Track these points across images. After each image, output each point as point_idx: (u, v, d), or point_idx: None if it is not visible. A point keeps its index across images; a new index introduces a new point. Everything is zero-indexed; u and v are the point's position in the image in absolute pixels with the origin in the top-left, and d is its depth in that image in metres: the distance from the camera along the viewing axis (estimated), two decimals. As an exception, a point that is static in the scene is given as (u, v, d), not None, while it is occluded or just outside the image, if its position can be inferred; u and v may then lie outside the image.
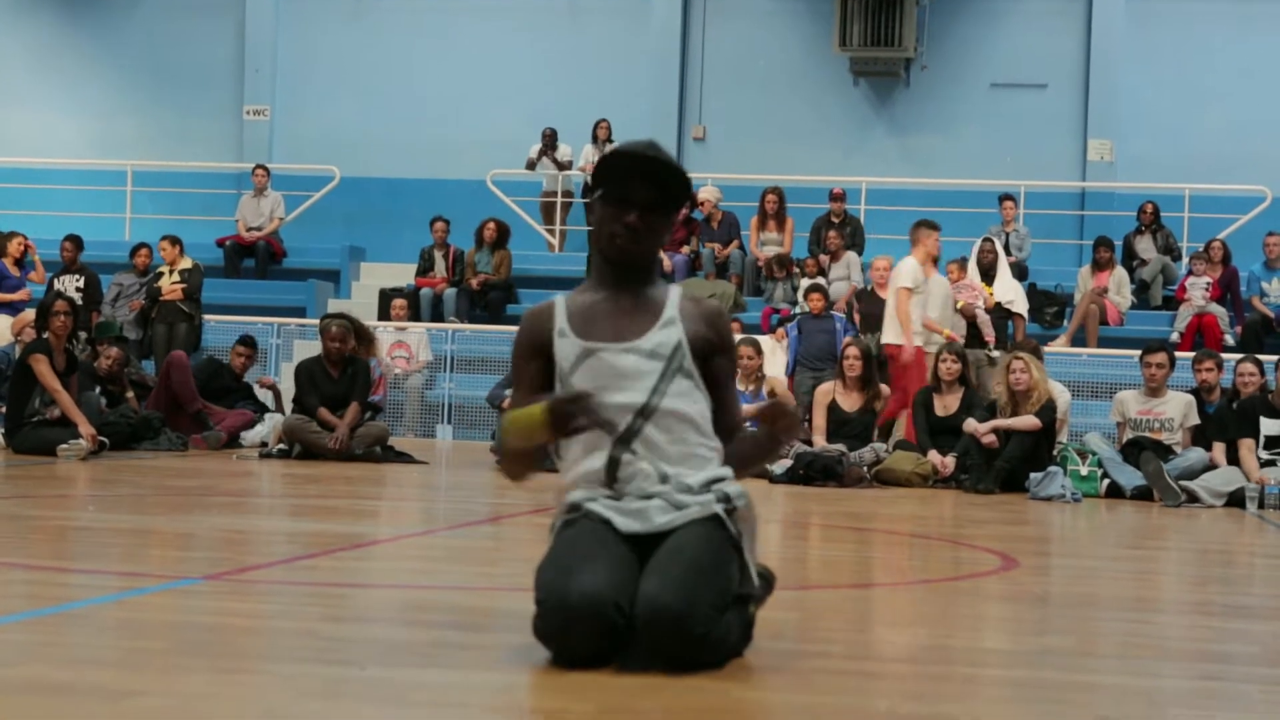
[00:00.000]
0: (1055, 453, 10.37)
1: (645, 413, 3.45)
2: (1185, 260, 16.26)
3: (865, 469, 10.53)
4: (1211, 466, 10.06)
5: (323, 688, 3.09)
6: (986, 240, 14.35)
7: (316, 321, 12.95)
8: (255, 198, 18.01)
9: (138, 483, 8.70)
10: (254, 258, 17.75)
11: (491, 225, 16.72)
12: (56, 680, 3.03)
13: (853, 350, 11.17)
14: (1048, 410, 10.36)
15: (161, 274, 15.63)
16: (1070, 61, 19.38)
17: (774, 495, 9.43)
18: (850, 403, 11.08)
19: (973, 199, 17.46)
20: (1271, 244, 15.76)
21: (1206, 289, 15.02)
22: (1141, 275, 16.32)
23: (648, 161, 3.49)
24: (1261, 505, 9.52)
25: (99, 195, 19.71)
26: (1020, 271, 15.71)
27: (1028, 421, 10.28)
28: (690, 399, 3.49)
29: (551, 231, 18.33)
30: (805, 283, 15.04)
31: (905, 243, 12.40)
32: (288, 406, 12.37)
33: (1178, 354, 11.56)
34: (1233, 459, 10.14)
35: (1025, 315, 14.20)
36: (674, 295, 3.59)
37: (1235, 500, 9.63)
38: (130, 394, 12.02)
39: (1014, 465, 10.14)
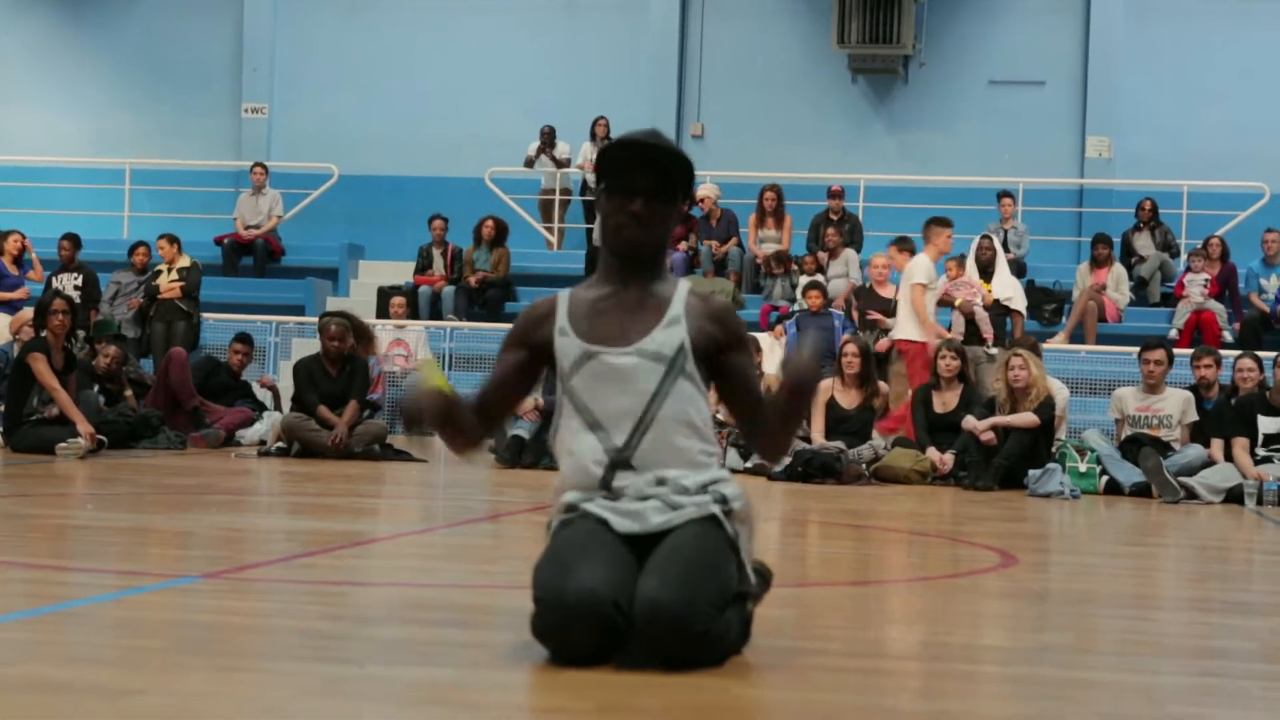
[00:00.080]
0: (1054, 450, 10.37)
1: (643, 424, 3.42)
2: (1184, 257, 16.25)
3: (864, 466, 10.54)
4: (1210, 463, 10.06)
5: (322, 686, 3.09)
6: (985, 237, 14.33)
7: (315, 320, 12.94)
8: (253, 196, 18.00)
9: (136, 481, 8.69)
10: (252, 256, 17.74)
11: (490, 223, 16.71)
12: (55, 679, 3.03)
13: (851, 348, 11.17)
14: (1046, 407, 10.36)
15: (160, 272, 15.62)
16: (1068, 58, 19.37)
17: (773, 493, 9.44)
18: (849, 400, 11.08)
19: (971, 196, 17.44)
20: (1270, 240, 15.75)
21: (1205, 286, 15.02)
22: (1140, 272, 16.32)
23: (649, 149, 3.45)
24: (1260, 501, 9.53)
25: (97, 193, 19.70)
26: (1019, 268, 15.70)
27: (1026, 418, 10.28)
28: (691, 403, 3.46)
29: (550, 229, 18.32)
30: (804, 280, 15.03)
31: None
32: (286, 405, 12.37)
33: (1176, 351, 11.56)
34: (1231, 456, 10.14)
35: (1024, 312, 14.19)
36: (681, 291, 3.52)
37: (1234, 496, 9.64)
38: (129, 392, 12.01)
39: (1013, 462, 10.14)
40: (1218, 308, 14.99)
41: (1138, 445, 10.22)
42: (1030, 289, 15.46)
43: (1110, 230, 16.43)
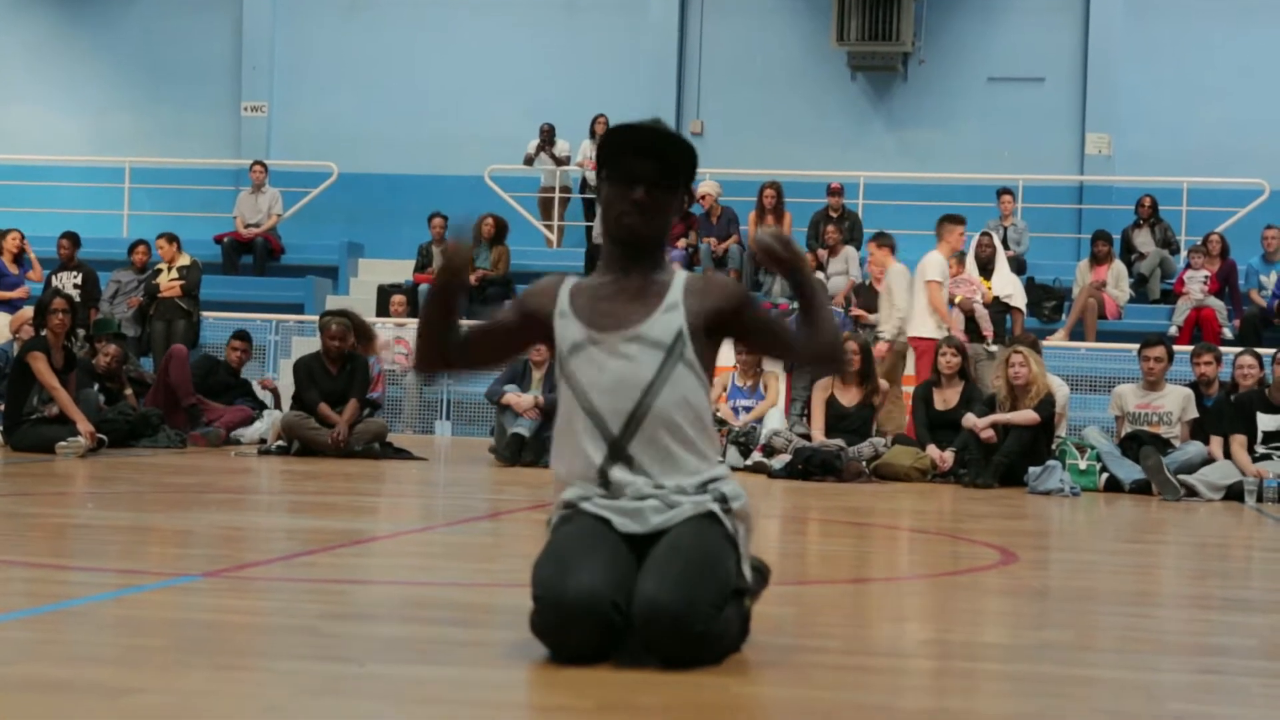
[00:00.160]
0: (1054, 447, 10.37)
1: (638, 415, 3.41)
2: (1183, 254, 16.25)
3: (864, 464, 10.54)
4: (1210, 460, 10.07)
5: (322, 684, 3.08)
6: (984, 234, 14.34)
7: (315, 318, 12.94)
8: (253, 194, 18.00)
9: (136, 480, 8.70)
10: (252, 254, 17.74)
11: (490, 221, 16.71)
12: (55, 678, 3.03)
13: (850, 345, 11.17)
14: (1046, 404, 10.36)
15: (159, 271, 15.62)
16: (1068, 55, 19.37)
17: (773, 490, 9.44)
18: (848, 397, 11.08)
19: (971, 193, 17.44)
20: (1269, 237, 15.75)
21: (1205, 282, 15.01)
22: (1140, 269, 16.31)
23: (651, 136, 3.45)
24: (1260, 499, 9.53)
25: (96, 192, 19.70)
26: (1018, 265, 15.71)
27: (1026, 416, 10.28)
28: (690, 390, 3.45)
29: (549, 227, 18.32)
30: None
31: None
32: (287, 404, 12.37)
33: (1176, 348, 11.57)
34: (1230, 453, 10.14)
35: (1023, 309, 14.20)
36: (680, 278, 3.52)
37: (1234, 494, 9.64)
38: (129, 391, 12.01)
39: (1013, 460, 10.14)
40: (1217, 304, 14.99)
41: (1138, 442, 10.22)
42: (1030, 286, 15.46)
43: (1110, 227, 16.43)
